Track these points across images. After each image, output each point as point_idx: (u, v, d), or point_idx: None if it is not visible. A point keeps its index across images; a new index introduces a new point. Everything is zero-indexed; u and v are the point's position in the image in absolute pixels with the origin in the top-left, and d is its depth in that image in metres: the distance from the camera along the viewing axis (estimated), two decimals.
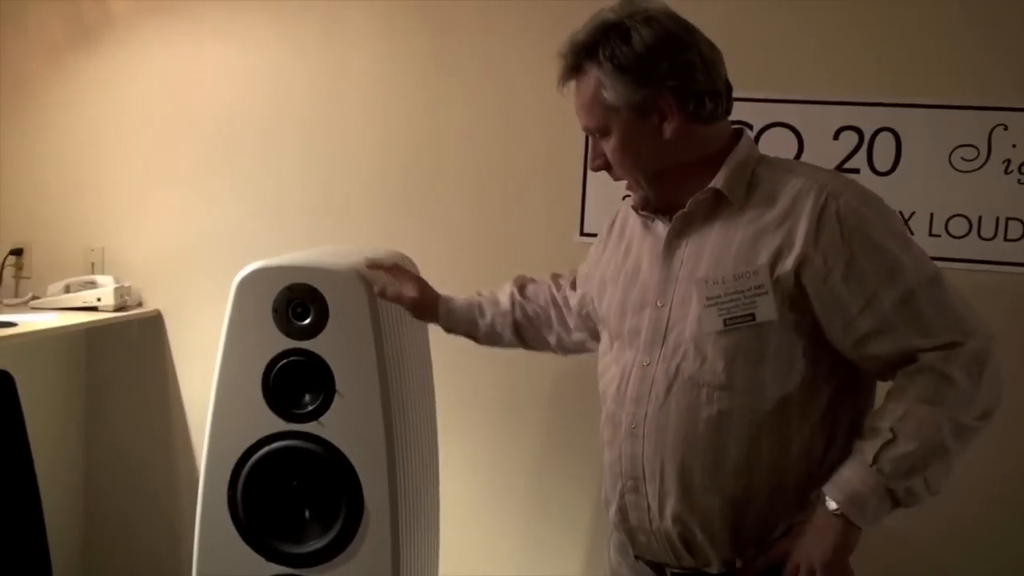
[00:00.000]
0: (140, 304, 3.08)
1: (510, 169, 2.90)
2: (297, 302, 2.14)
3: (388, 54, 2.94)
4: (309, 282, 2.13)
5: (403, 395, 2.24)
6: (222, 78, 3.03)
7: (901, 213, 2.63)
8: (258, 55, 3.00)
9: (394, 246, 2.58)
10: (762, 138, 2.71)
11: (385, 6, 2.92)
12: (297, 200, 3.01)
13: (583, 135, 2.77)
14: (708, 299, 1.58)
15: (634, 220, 1.78)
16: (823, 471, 1.56)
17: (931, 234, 2.62)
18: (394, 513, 2.15)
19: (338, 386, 2.14)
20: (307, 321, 2.14)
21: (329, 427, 2.14)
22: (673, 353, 1.61)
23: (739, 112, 2.64)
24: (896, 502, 1.51)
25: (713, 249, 1.61)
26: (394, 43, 2.93)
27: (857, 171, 2.66)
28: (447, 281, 2.20)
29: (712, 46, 1.64)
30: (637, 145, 1.64)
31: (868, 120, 2.65)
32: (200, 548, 2.21)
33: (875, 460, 1.50)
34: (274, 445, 2.17)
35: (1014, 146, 2.57)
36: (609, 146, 1.66)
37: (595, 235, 2.77)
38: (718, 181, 1.62)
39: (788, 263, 1.54)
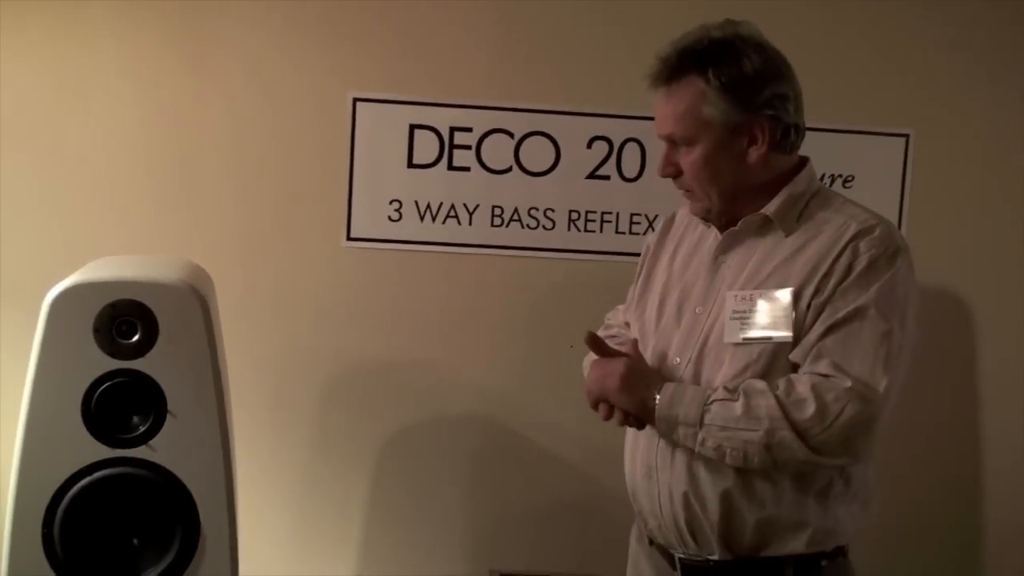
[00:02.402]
0: None
1: (275, 172, 2.83)
2: (122, 319, 2.00)
3: (136, 55, 2.76)
4: (136, 298, 2.00)
5: (229, 411, 2.16)
6: None
7: (647, 216, 2.93)
8: None
9: (153, 253, 2.47)
10: (522, 146, 2.89)
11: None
12: (45, 211, 2.75)
13: (349, 138, 2.84)
14: (734, 312, 1.71)
15: (692, 224, 1.88)
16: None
17: None
18: (233, 534, 2.08)
19: (170, 406, 2.02)
20: (134, 339, 2.00)
21: (160, 450, 2.03)
22: (700, 356, 1.74)
23: (501, 121, 2.88)
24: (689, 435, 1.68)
25: (752, 268, 1.75)
26: (141, 44, 2.75)
27: (608, 177, 2.92)
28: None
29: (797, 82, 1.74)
30: (720, 162, 1.72)
31: (617, 131, 2.91)
32: None
33: (710, 404, 1.67)
34: (97, 474, 2.01)
35: None
36: (689, 157, 1.73)
37: (362, 239, 2.86)
38: (770, 208, 1.75)
39: (809, 291, 1.68)
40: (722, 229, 1.82)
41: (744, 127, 1.72)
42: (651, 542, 1.90)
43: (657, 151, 2.81)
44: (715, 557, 1.77)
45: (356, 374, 2.91)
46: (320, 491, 2.90)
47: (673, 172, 1.80)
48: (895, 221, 2.96)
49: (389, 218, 2.88)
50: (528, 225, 2.92)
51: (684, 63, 1.73)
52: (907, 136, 2.97)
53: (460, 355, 2.94)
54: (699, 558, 1.79)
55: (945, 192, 3.00)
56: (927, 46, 2.96)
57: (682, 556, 1.81)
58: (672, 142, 1.79)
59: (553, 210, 2.92)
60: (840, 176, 2.95)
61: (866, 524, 1.80)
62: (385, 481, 2.92)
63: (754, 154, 1.74)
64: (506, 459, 2.96)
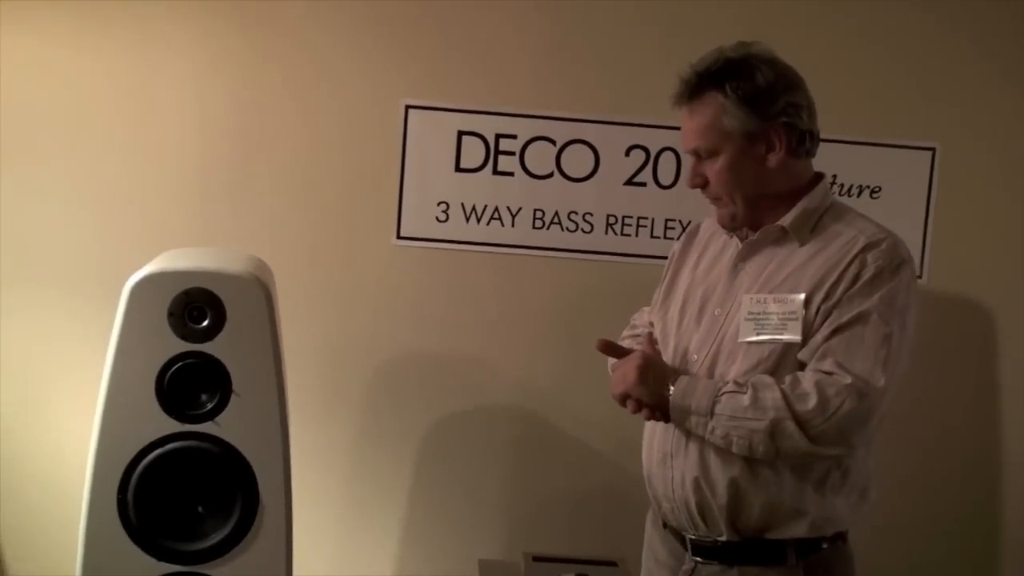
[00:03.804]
0: None
1: (332, 174, 3.01)
2: (194, 306, 2.19)
3: (204, 57, 2.95)
4: (207, 287, 2.19)
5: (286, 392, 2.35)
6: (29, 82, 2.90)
7: (680, 222, 3.08)
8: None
9: (220, 247, 2.65)
10: (564, 153, 3.05)
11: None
12: (122, 205, 2.96)
13: (401, 142, 3.02)
14: (749, 313, 1.87)
15: (716, 234, 2.04)
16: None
17: None
18: (288, 505, 2.26)
19: (235, 387, 2.21)
20: (204, 324, 2.19)
21: (225, 426, 2.21)
22: (717, 353, 1.90)
23: (544, 129, 3.04)
24: (700, 424, 1.82)
25: (768, 274, 1.90)
26: (209, 46, 2.95)
27: (644, 184, 3.07)
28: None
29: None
30: (742, 169, 1.88)
31: (654, 140, 3.06)
32: (86, 555, 2.20)
33: (720, 395, 1.81)
34: (168, 447, 2.20)
35: None
36: (714, 167, 1.90)
37: (411, 238, 3.03)
38: (787, 219, 1.90)
39: (819, 296, 1.83)
40: (743, 239, 1.98)
41: (762, 135, 1.87)
42: (664, 525, 2.05)
43: (691, 160, 3.03)
44: (723, 538, 1.91)
45: (403, 364, 3.08)
46: (367, 472, 3.08)
47: (701, 183, 1.96)
48: (920, 232, 3.08)
49: (437, 219, 3.05)
50: (568, 228, 3.08)
51: (703, 81, 1.89)
52: (933, 149, 3.09)
53: (501, 349, 3.10)
54: (708, 539, 1.94)
55: (970, 204, 3.11)
56: (953, 60, 3.07)
57: (693, 537, 1.96)
58: (698, 155, 1.95)
59: (591, 214, 3.08)
60: (868, 188, 3.08)
61: (866, 511, 1.94)
62: (427, 466, 3.10)
63: (773, 159, 1.88)
64: (543, 449, 3.12)
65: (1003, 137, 3.10)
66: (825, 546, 1.90)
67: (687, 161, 2.74)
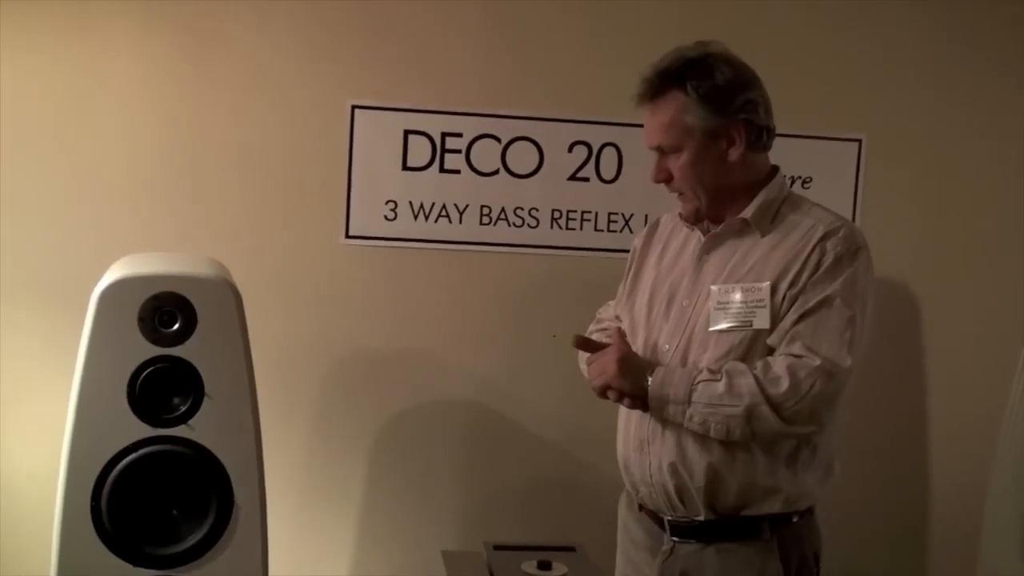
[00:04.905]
0: None
1: (279, 175, 3.02)
2: (164, 310, 2.19)
3: (147, 62, 2.93)
4: (177, 291, 2.19)
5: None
6: None
7: (623, 215, 3.17)
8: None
9: (155, 250, 2.63)
10: (509, 150, 3.11)
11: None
12: (66, 213, 2.92)
13: (348, 142, 3.04)
14: (718, 303, 1.94)
15: (676, 228, 2.11)
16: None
17: None
18: (263, 504, 2.28)
19: (207, 389, 2.22)
20: (174, 328, 2.20)
21: (198, 429, 2.22)
22: (688, 343, 1.97)
23: (489, 127, 3.09)
24: (678, 412, 1.90)
25: (733, 265, 1.98)
26: (153, 49, 2.93)
27: (587, 179, 3.16)
28: None
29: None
30: (704, 164, 1.96)
31: (596, 136, 3.15)
32: (61, 564, 2.18)
33: (696, 384, 1.89)
34: (141, 451, 2.20)
35: None
36: (678, 163, 1.96)
37: (360, 237, 3.06)
38: (748, 212, 1.98)
39: (784, 284, 1.92)
40: (705, 233, 2.07)
41: (722, 131, 1.96)
42: (641, 508, 2.12)
43: (631, 155, 3.14)
44: (701, 518, 1.99)
45: (354, 361, 3.11)
46: (321, 471, 3.11)
47: (665, 178, 2.04)
48: (850, 218, 3.23)
49: (385, 217, 3.09)
50: (514, 224, 3.15)
51: (665, 81, 1.96)
52: (860, 141, 3.25)
53: (451, 344, 3.15)
54: (686, 519, 2.02)
55: (895, 192, 3.27)
56: (878, 57, 3.23)
57: (671, 518, 2.04)
58: (662, 151, 2.02)
59: (537, 210, 3.15)
60: (799, 178, 3.21)
61: (832, 485, 2.04)
62: (382, 462, 3.13)
63: (734, 154, 1.97)
64: (495, 440, 3.18)
65: (926, 128, 3.27)
66: (796, 519, 2.00)
67: (634, 152, 2.84)
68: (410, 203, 3.09)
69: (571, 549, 2.91)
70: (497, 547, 2.90)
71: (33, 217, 2.89)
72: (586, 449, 3.18)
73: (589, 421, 3.06)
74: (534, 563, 2.76)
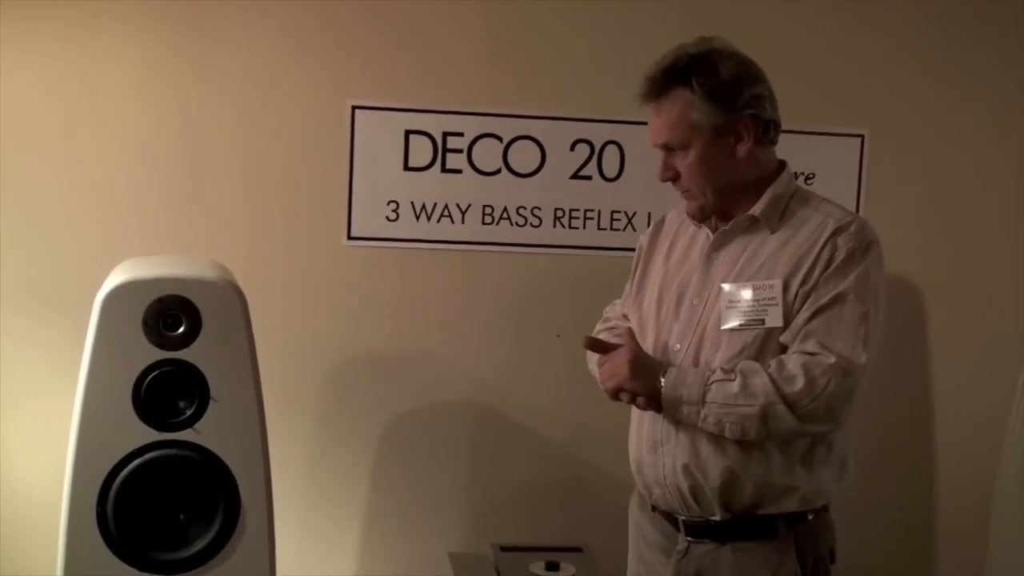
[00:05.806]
0: None
1: (280, 176, 3.00)
2: (168, 313, 2.17)
3: (146, 64, 2.91)
4: (182, 294, 2.17)
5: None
6: None
7: (625, 213, 3.16)
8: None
9: (156, 253, 2.62)
10: (510, 149, 3.10)
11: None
12: (66, 217, 2.90)
13: (349, 143, 3.03)
14: (730, 302, 1.93)
15: (683, 226, 2.09)
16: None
17: None
18: (270, 508, 2.27)
19: (212, 393, 2.20)
20: (179, 331, 2.18)
21: (204, 433, 2.21)
22: (700, 342, 1.95)
23: (491, 126, 3.08)
24: (692, 413, 1.89)
25: (743, 262, 1.96)
26: (153, 51, 2.91)
27: (590, 178, 3.14)
28: None
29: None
30: (712, 161, 1.94)
31: (598, 134, 3.13)
32: (67, 570, 2.16)
33: (710, 384, 1.88)
34: (146, 456, 2.18)
35: None
36: (685, 160, 1.94)
37: (362, 238, 3.05)
38: (758, 208, 1.96)
39: (796, 280, 1.90)
40: (713, 230, 2.05)
41: (729, 126, 1.94)
42: (654, 508, 2.10)
43: (634, 153, 3.12)
44: (716, 517, 1.97)
45: (358, 363, 3.10)
46: (324, 473, 3.09)
47: (672, 176, 2.01)
48: None
49: (387, 218, 3.07)
50: (516, 223, 3.13)
51: (669, 79, 1.95)
52: (862, 136, 3.24)
53: (454, 345, 3.13)
54: (701, 519, 2.00)
55: (897, 187, 3.26)
56: (880, 53, 3.22)
57: (685, 518, 2.02)
58: (668, 149, 2.00)
59: (539, 209, 3.13)
60: (803, 174, 3.20)
61: (846, 482, 2.03)
62: (387, 463, 3.12)
63: (742, 150, 1.95)
64: (501, 441, 3.16)
65: (929, 124, 3.26)
66: (811, 517, 1.99)
67: (631, 154, 2.80)
68: (412, 203, 3.08)
69: (578, 550, 2.90)
70: (504, 548, 2.89)
71: (32, 221, 2.87)
72: (592, 449, 3.16)
73: (595, 420, 3.05)
74: (542, 564, 2.75)
